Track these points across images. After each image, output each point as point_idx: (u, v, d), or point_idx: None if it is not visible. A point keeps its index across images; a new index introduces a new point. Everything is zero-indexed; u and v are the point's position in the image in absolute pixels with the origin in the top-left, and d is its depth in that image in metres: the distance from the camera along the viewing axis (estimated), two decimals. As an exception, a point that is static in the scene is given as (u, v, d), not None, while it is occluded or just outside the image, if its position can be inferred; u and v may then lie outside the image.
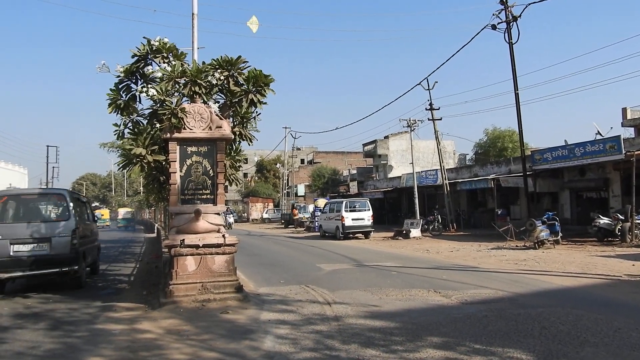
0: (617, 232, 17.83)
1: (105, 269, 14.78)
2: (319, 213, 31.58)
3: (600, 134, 26.30)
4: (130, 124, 9.47)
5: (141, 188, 55.56)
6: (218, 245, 8.59)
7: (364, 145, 55.41)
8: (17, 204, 11.01)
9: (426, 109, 30.44)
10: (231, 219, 42.85)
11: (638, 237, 17.48)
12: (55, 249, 10.31)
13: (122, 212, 57.32)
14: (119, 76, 9.12)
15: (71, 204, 10.99)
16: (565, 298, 8.69)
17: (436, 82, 30.06)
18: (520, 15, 21.16)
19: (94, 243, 13.01)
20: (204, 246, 8.51)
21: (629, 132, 33.84)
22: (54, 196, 11.57)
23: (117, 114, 9.29)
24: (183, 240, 8.44)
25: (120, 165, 9.56)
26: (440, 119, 30.91)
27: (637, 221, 17.79)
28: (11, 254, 10.02)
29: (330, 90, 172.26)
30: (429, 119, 30.75)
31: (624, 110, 35.87)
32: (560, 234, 18.28)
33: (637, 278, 10.46)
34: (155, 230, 31.09)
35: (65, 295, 10.05)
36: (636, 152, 18.21)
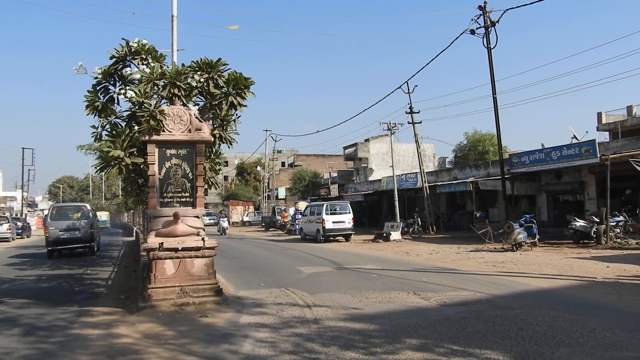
0: (592, 234, 18.15)
1: (82, 273, 14.57)
2: (300, 216, 31.57)
3: (576, 138, 26.83)
4: (108, 126, 9.37)
5: (120, 191, 55.00)
6: (197, 249, 8.53)
7: (345, 148, 55.59)
8: (62, 210, 20.39)
9: (406, 113, 30.69)
10: (225, 224, 38.34)
11: (612, 239, 17.81)
12: (82, 234, 19.37)
13: (99, 215, 57.89)
14: (96, 78, 9.02)
15: (90, 211, 20.67)
16: (541, 299, 8.81)
17: (416, 85, 30.40)
18: (498, 21, 21.50)
19: (98, 232, 22.82)
20: (183, 249, 8.43)
21: (604, 136, 34.66)
22: (81, 207, 21.05)
23: (95, 115, 9.18)
24: (162, 243, 8.35)
25: (98, 168, 9.44)
26: (420, 122, 31.18)
27: (612, 224, 18.14)
28: (60, 237, 19.01)
29: (312, 93, 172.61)
30: (409, 122, 31.01)
31: (599, 115, 36.74)
32: (537, 236, 18.56)
33: (611, 279, 10.67)
34: (134, 234, 30.70)
35: (41, 300, 9.88)
36: (611, 156, 18.57)
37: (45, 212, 35.61)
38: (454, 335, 6.33)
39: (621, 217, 18.85)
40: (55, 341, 6.67)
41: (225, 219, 40.93)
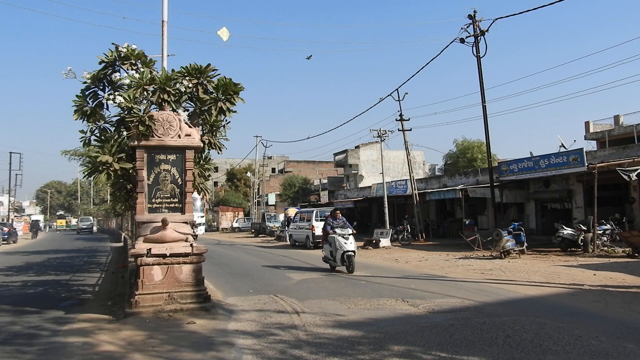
0: (579, 242, 18.28)
1: (69, 278, 14.43)
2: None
3: (564, 147, 27.03)
4: (96, 131, 9.30)
5: (108, 196, 54.88)
6: (185, 255, 8.48)
7: (335, 154, 55.72)
8: (83, 218, 70.57)
9: (396, 120, 30.80)
10: (350, 245, 15.50)
11: (600, 248, 17.95)
12: (88, 226, 66.28)
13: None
14: (85, 82, 8.98)
15: (93, 218, 75.83)
16: (529, 307, 8.85)
17: (406, 93, 30.73)
18: (487, 30, 21.73)
19: (94, 226, 71.68)
20: (171, 255, 8.38)
21: (592, 145, 35.04)
22: (89, 218, 72.81)
23: (84, 120, 9.13)
24: (150, 249, 8.30)
25: (86, 173, 9.36)
26: (410, 130, 31.31)
27: (599, 232, 18.29)
28: (82, 228, 65.45)
29: (303, 100, 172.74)
30: (399, 130, 31.13)
31: (587, 123, 37.16)
32: (525, 244, 18.64)
33: (598, 287, 10.74)
34: (122, 239, 30.49)
35: (26, 306, 9.75)
36: (598, 165, 18.76)
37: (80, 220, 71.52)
38: (441, 342, 6.34)
39: (608, 225, 19.02)
40: (38, 350, 6.56)
41: (348, 229, 16.15)
